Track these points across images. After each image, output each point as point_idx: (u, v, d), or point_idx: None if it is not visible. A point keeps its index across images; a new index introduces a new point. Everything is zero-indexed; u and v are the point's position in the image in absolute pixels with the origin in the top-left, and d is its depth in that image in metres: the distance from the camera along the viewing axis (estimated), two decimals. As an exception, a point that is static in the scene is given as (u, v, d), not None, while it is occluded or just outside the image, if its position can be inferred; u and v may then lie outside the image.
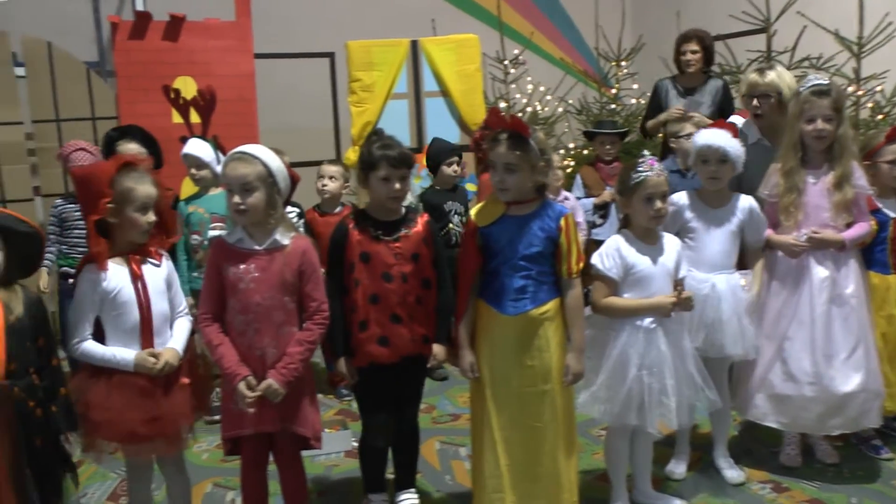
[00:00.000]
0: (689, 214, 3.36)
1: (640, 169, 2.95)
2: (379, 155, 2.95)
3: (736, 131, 3.36)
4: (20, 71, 5.30)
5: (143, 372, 2.63)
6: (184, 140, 4.26)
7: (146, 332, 2.70)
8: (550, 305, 2.87)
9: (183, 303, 2.89)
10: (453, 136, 5.69)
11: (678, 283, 3.03)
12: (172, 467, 2.93)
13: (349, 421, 4.11)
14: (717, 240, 3.32)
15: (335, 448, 3.84)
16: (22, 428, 2.43)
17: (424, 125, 5.81)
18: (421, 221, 3.06)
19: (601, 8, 8.03)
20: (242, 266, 2.73)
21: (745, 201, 3.37)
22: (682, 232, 3.35)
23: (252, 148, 2.77)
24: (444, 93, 5.79)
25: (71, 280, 4.03)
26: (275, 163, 2.75)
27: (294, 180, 2.86)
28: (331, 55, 7.17)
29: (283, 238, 2.76)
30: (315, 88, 7.28)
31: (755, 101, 3.85)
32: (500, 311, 2.86)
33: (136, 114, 5.00)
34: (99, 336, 2.68)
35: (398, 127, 5.52)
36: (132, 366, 2.62)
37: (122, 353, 2.64)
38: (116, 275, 2.65)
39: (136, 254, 2.71)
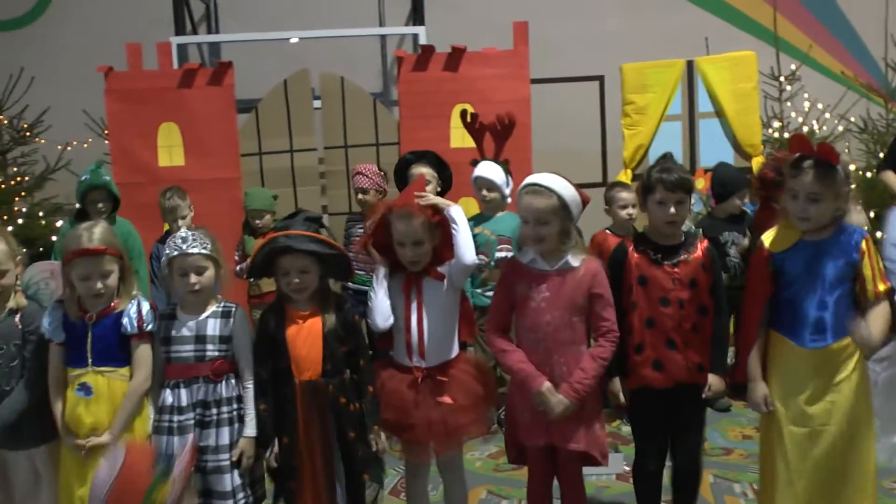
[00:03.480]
0: None
1: None
2: (655, 178, 2.94)
3: None
4: (316, 103, 5.83)
5: None
6: (474, 163, 4.46)
7: (410, 345, 2.90)
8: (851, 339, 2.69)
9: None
10: (727, 158, 5.52)
11: None
12: (450, 470, 3.09)
13: (619, 444, 4.10)
14: None
15: (607, 470, 3.83)
16: (335, 421, 2.79)
17: (698, 147, 5.67)
18: (701, 247, 2.99)
19: (893, 14, 7.40)
20: (534, 286, 2.82)
21: None
22: None
23: (546, 179, 2.84)
24: (719, 113, 5.63)
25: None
26: (568, 193, 2.82)
27: (584, 202, 2.90)
28: (600, 78, 7.22)
29: (574, 260, 2.83)
30: (584, 112, 7.35)
31: None
32: (798, 343, 2.72)
33: (416, 139, 5.32)
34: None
35: (671, 149, 5.37)
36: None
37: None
38: (394, 287, 2.91)
39: (416, 273, 2.91)
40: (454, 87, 5.53)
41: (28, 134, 7.12)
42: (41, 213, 6.77)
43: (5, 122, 7.09)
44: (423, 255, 2.87)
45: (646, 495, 3.15)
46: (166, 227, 4.95)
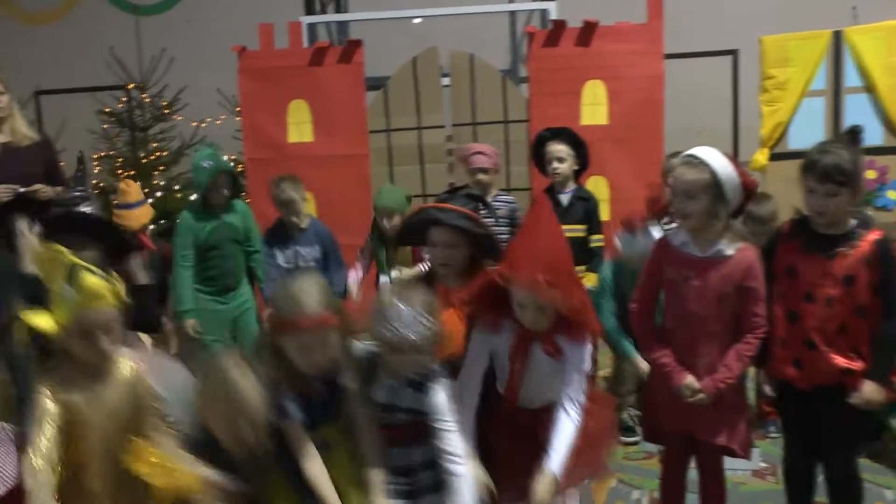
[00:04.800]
0: None
1: None
2: (807, 161, 2.66)
3: None
4: (445, 81, 5.80)
5: None
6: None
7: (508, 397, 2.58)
8: None
9: (576, 400, 2.47)
10: (877, 137, 5.19)
11: None
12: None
13: (756, 440, 3.93)
14: None
15: (743, 465, 3.68)
16: None
17: (843, 125, 5.32)
18: (869, 239, 2.64)
19: None
20: (683, 271, 2.69)
21: None
22: None
23: (706, 153, 2.64)
24: (868, 88, 5.25)
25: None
26: (725, 171, 2.60)
27: (749, 189, 2.67)
28: (734, 52, 6.92)
29: (728, 248, 2.65)
30: (716, 87, 7.07)
31: None
32: None
33: (545, 117, 5.21)
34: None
35: (813, 127, 5.19)
36: None
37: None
38: (500, 341, 2.55)
39: (539, 334, 2.47)
40: (585, 63, 5.38)
41: (167, 111, 7.46)
42: (177, 187, 7.13)
43: (147, 100, 7.43)
44: (546, 319, 2.45)
45: (792, 492, 3.01)
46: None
